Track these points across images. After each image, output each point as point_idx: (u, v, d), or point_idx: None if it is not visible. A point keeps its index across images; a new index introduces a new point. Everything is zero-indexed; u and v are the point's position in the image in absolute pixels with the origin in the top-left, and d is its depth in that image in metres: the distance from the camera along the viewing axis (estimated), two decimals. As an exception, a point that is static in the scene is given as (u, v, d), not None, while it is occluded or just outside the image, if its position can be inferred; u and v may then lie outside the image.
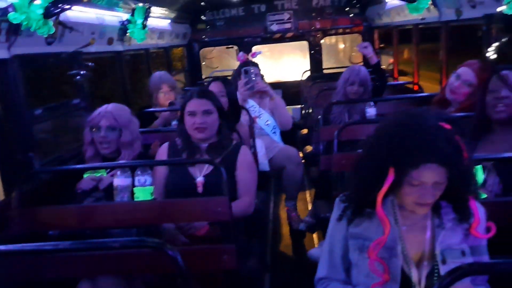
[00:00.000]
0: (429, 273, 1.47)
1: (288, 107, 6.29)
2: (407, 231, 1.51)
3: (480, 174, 1.83)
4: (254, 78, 3.79)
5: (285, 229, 4.08)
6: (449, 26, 3.75)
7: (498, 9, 2.76)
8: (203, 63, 6.97)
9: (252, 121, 3.56)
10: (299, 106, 6.32)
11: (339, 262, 1.59)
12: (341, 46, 8.27)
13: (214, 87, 3.30)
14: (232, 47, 6.68)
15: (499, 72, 2.10)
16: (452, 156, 1.34)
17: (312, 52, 6.68)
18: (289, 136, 4.13)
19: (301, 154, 4.53)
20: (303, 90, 5.99)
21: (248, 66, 3.92)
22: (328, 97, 4.11)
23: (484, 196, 1.83)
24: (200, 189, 2.40)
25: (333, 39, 7.93)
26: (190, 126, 2.46)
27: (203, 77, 6.76)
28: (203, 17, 6.48)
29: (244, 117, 3.57)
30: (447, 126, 1.38)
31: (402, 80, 5.38)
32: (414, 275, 1.47)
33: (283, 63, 7.88)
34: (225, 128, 2.55)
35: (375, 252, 1.46)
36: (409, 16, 4.35)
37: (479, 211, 1.48)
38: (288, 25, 6.43)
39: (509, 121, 2.10)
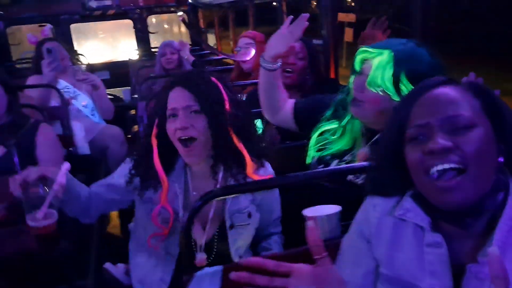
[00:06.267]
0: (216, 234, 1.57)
1: (118, 89, 6.06)
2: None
3: (259, 125, 2.07)
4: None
5: (114, 212, 3.99)
6: (254, 3, 4.08)
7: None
8: (18, 43, 6.19)
9: (65, 103, 3.33)
10: (129, 87, 6.14)
11: None
12: (173, 25, 8.22)
13: None
14: (45, 25, 6.07)
15: None
16: (200, 86, 1.47)
17: (137, 31, 6.52)
18: (119, 118, 3.97)
19: (130, 136, 4.43)
20: (131, 70, 5.82)
21: (47, 43, 3.53)
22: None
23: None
24: None
25: (161, 17, 7.83)
26: None
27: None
28: None
29: (56, 99, 3.32)
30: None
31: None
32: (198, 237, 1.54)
33: (111, 42, 7.51)
34: (17, 105, 2.34)
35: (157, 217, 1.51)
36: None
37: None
38: (108, 2, 6.13)
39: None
